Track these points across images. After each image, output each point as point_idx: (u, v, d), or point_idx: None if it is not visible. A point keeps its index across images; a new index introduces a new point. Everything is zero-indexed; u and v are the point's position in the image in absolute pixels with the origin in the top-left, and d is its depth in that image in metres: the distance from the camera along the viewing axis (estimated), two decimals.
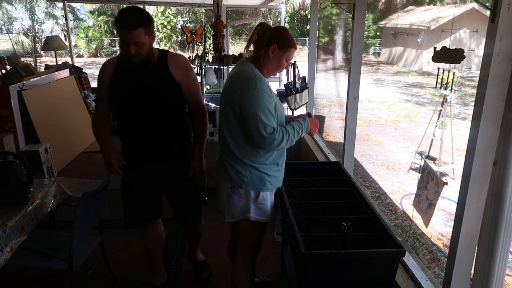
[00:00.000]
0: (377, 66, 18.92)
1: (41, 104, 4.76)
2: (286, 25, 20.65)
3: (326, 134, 6.98)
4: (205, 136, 2.24)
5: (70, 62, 7.09)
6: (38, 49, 18.65)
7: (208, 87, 4.06)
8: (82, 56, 21.63)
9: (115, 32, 23.10)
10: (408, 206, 4.85)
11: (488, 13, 1.21)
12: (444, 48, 1.68)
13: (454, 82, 5.51)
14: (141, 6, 7.83)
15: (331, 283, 1.57)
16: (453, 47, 1.64)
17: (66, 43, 7.82)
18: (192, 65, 4.11)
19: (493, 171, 1.29)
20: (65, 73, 5.84)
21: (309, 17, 6.40)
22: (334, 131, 7.57)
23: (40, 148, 4.04)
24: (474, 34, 15.38)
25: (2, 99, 4.28)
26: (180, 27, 19.97)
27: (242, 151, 1.84)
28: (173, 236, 3.16)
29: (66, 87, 5.56)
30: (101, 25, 22.14)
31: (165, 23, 21.41)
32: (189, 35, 4.01)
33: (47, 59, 16.77)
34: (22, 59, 6.42)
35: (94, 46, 22.32)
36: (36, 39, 20.16)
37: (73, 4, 19.77)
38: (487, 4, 1.30)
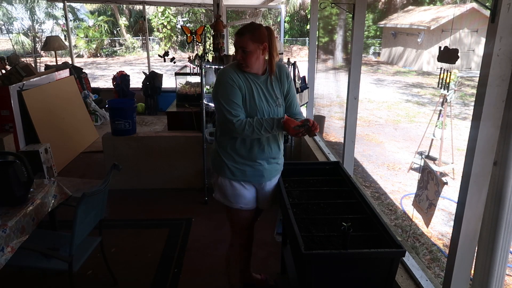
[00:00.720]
0: (377, 66, 18.91)
1: (41, 104, 4.76)
2: (286, 25, 20.70)
3: (326, 134, 6.98)
4: None
5: (70, 62, 7.09)
6: (38, 49, 18.65)
7: (208, 87, 4.06)
8: (82, 56, 21.64)
9: (115, 32, 23.14)
10: (408, 206, 4.84)
11: (488, 13, 1.21)
12: (446, 48, 1.69)
13: (454, 82, 5.51)
14: (141, 6, 7.83)
15: (331, 283, 1.57)
16: (453, 47, 1.64)
17: (66, 43, 7.82)
18: (192, 65, 4.13)
19: (493, 171, 1.29)
20: (65, 73, 5.84)
21: (309, 17, 6.40)
22: (334, 131, 7.57)
23: (40, 148, 4.04)
24: (474, 34, 15.39)
25: (2, 99, 4.28)
26: (180, 27, 19.98)
27: (217, 137, 2.07)
28: (173, 236, 3.16)
29: (66, 87, 5.56)
30: (101, 25, 22.15)
31: (165, 23, 21.42)
32: (189, 35, 4.01)
33: (47, 59, 16.77)
34: (22, 59, 6.41)
35: (94, 46, 22.32)
36: (36, 39, 20.15)
37: (73, 4, 19.77)
38: (487, 4, 1.30)
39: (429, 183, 1.80)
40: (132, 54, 22.61)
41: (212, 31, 3.94)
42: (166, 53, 4.03)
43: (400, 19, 18.77)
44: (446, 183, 1.71)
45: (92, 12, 22.44)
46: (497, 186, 1.28)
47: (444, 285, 1.50)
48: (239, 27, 1.95)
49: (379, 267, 1.54)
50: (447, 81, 2.29)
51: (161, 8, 20.71)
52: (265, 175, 2.05)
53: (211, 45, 4.06)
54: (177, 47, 22.48)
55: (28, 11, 21.00)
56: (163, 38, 22.07)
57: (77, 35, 21.62)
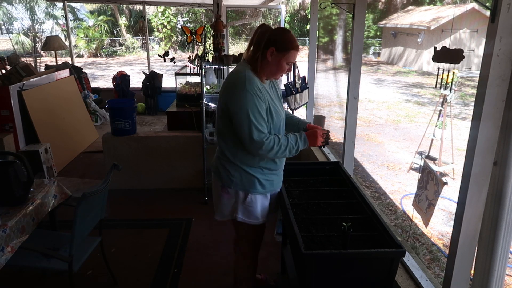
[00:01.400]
0: (377, 66, 18.91)
1: (41, 104, 4.76)
2: (286, 25, 20.66)
3: None
4: None
5: (70, 62, 7.10)
6: (38, 49, 18.65)
7: (208, 87, 4.06)
8: (82, 56, 21.65)
9: (115, 32, 23.14)
10: (408, 206, 4.84)
11: (488, 13, 1.21)
12: (444, 48, 1.68)
13: (454, 82, 5.51)
14: (141, 6, 7.82)
15: (331, 283, 1.57)
16: (453, 47, 1.64)
17: (66, 43, 7.82)
18: (192, 65, 4.13)
19: (493, 171, 1.29)
20: (65, 73, 5.84)
21: (309, 17, 6.40)
22: (334, 131, 7.51)
23: (40, 148, 4.04)
24: (474, 34, 15.39)
25: (2, 99, 4.28)
26: (180, 27, 19.97)
27: (232, 151, 1.84)
28: (173, 236, 3.16)
29: (66, 87, 5.56)
30: (101, 25, 22.15)
31: (165, 23, 21.42)
32: (189, 35, 4.01)
33: (47, 59, 16.77)
34: (22, 59, 6.41)
35: (94, 46, 22.33)
36: (36, 39, 20.16)
37: (73, 4, 19.79)
38: (487, 4, 1.30)
39: (429, 183, 1.80)
40: (132, 54, 22.62)
41: (212, 31, 3.95)
42: (166, 53, 4.03)
43: (400, 19, 18.77)
44: (446, 183, 1.71)
45: (92, 12, 22.44)
46: (497, 186, 1.28)
47: (444, 285, 1.50)
48: (294, 41, 1.77)
49: (379, 267, 1.54)
50: (448, 81, 2.29)
51: (161, 8, 20.71)
52: (282, 180, 2.03)
53: (211, 45, 4.06)
54: (177, 47, 22.49)
55: (28, 11, 21.02)
56: (163, 38, 22.07)
57: (77, 35, 21.63)
